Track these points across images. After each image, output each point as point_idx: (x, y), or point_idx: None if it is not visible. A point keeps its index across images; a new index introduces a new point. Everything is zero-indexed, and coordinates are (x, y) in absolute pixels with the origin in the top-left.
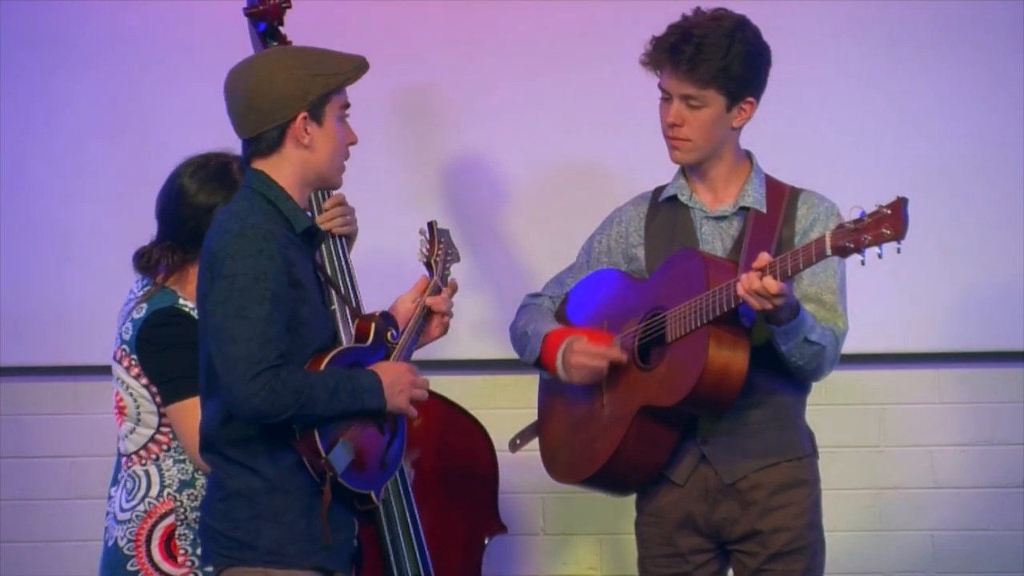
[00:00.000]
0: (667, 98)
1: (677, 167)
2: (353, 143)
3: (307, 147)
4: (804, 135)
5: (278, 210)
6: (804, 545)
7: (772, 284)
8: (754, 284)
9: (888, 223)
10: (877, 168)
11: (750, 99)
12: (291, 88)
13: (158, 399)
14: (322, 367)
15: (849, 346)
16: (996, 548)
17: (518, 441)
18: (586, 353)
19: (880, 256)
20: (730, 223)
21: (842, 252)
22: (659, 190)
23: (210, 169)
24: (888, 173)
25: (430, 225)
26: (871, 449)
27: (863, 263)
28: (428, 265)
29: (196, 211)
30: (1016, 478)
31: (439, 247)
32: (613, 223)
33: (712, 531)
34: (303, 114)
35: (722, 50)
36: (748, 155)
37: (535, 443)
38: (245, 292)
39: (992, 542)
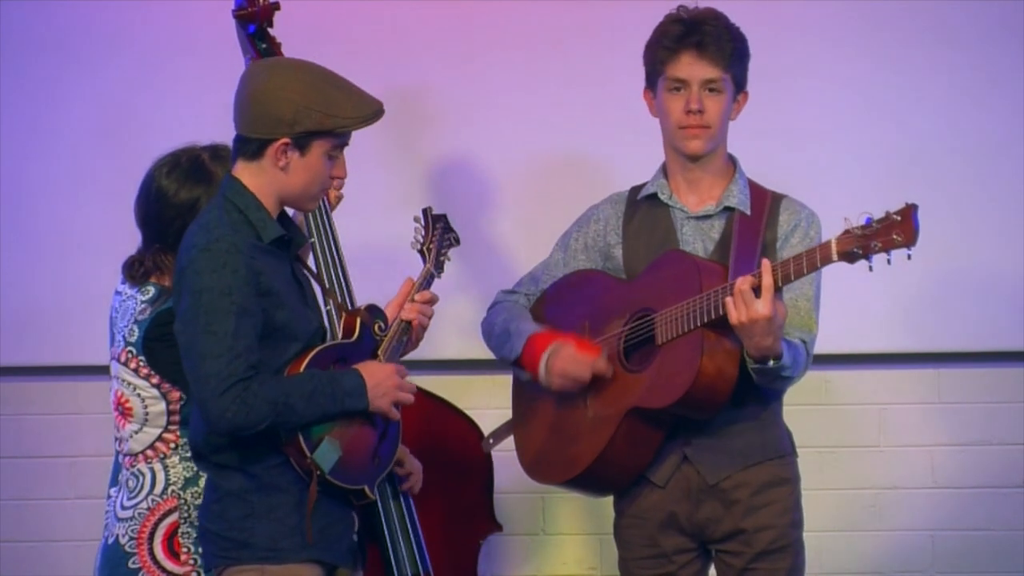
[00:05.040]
0: (678, 88)
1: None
2: (340, 177)
3: (282, 170)
4: (803, 135)
5: (247, 220)
6: (788, 543)
7: (764, 307)
8: (750, 305)
9: (899, 229)
10: (877, 168)
11: (744, 91)
12: (283, 112)
13: (172, 395)
14: (302, 367)
15: (849, 346)
16: (996, 548)
17: (491, 440)
18: (573, 361)
19: (889, 262)
20: (712, 224)
21: (849, 258)
22: (636, 189)
23: (183, 166)
24: (889, 173)
25: (425, 212)
26: (871, 449)
27: (871, 269)
28: (421, 253)
29: (181, 210)
30: (1016, 478)
31: (434, 234)
32: (590, 221)
33: (695, 530)
34: (285, 140)
35: (732, 34)
36: (732, 158)
37: (511, 441)
38: (211, 308)
39: (992, 542)
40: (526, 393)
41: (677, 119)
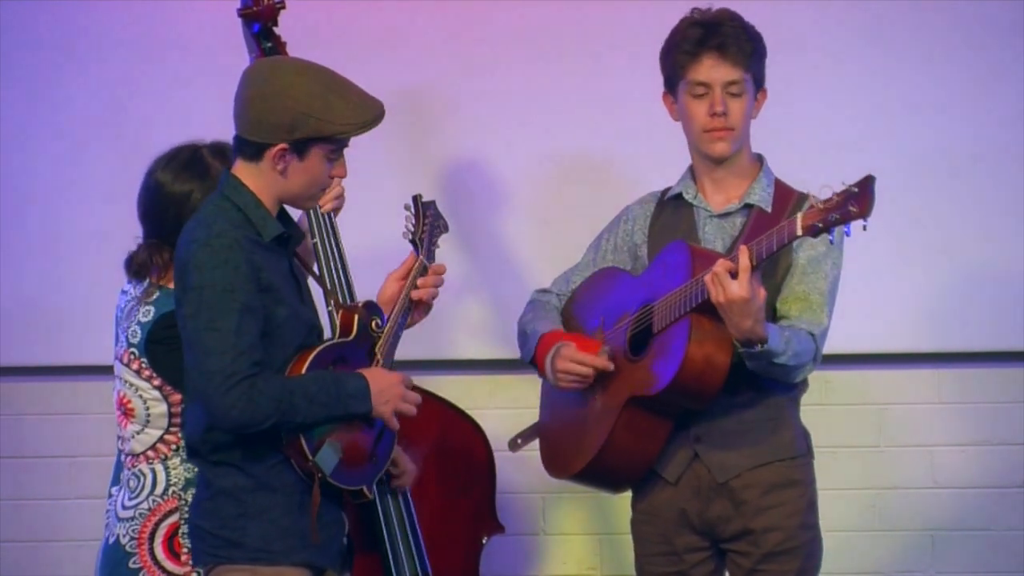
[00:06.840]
0: (703, 93)
1: (685, 166)
2: (340, 177)
3: (280, 173)
4: (807, 137)
5: (247, 218)
6: (797, 545)
7: (741, 287)
8: (727, 285)
9: (855, 201)
10: (877, 166)
11: (763, 89)
12: (281, 119)
13: (173, 397)
14: (304, 367)
15: (849, 346)
16: (996, 548)
17: (519, 441)
18: (572, 359)
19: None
20: (733, 221)
21: (812, 232)
22: (666, 190)
23: (181, 159)
24: (889, 171)
25: (415, 199)
26: (871, 449)
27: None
28: (414, 243)
29: (175, 201)
30: (1016, 478)
31: (424, 222)
32: (621, 221)
33: (706, 529)
34: (283, 146)
35: (750, 34)
36: (759, 157)
37: (534, 443)
38: (214, 304)
39: (992, 542)
40: (548, 391)
41: (702, 123)
